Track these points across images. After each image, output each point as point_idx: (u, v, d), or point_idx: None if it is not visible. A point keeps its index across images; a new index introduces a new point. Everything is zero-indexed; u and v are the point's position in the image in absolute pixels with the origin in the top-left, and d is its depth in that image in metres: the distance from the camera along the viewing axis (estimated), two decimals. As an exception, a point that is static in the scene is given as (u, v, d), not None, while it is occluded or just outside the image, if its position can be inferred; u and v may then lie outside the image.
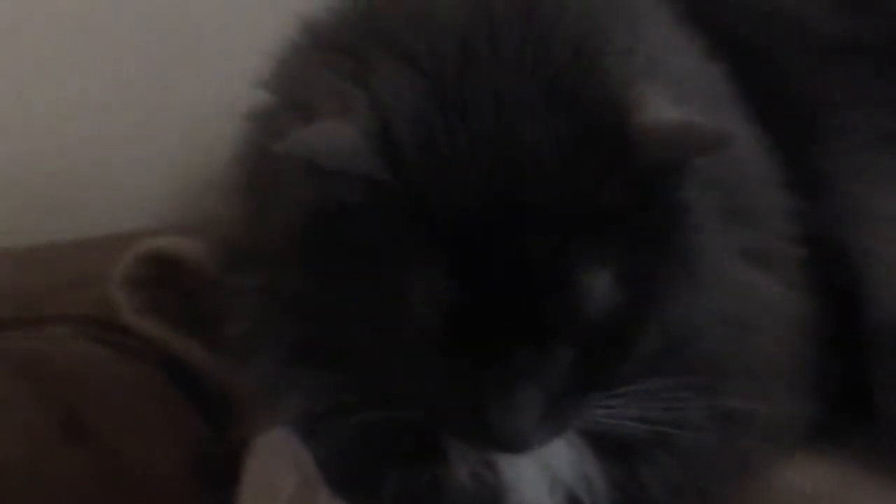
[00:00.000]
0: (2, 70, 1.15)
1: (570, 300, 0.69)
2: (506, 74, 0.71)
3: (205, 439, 0.84)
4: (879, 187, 0.88)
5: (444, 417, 0.73)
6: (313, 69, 0.76)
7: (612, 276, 0.70)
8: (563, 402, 0.71)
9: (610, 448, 0.77)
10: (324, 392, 0.76)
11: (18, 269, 1.06)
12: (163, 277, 0.92)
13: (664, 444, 0.77)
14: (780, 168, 0.83)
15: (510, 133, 0.69)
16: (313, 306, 0.74)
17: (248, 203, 0.80)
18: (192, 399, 0.87)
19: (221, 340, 0.82)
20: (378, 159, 0.68)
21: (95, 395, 0.84)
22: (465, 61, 0.71)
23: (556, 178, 0.68)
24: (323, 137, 0.69)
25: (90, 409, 0.84)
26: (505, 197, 0.68)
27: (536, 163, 0.68)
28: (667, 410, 0.74)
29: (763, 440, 0.82)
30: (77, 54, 1.18)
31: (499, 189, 0.68)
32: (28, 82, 1.17)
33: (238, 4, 1.24)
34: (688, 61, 0.79)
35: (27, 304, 0.99)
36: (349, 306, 0.72)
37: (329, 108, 0.71)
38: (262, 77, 0.82)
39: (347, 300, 0.72)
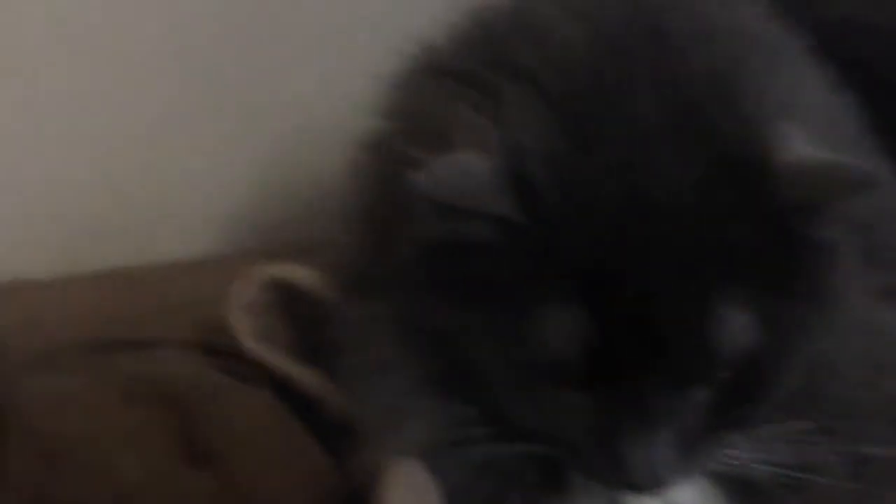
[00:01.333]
0: (79, 88, 1.13)
1: (708, 341, 0.67)
2: (638, 104, 0.69)
3: (326, 470, 0.83)
4: None
5: (575, 455, 0.72)
6: (440, 98, 0.74)
7: (750, 316, 0.68)
8: (698, 443, 0.70)
9: (737, 489, 0.76)
10: (450, 423, 0.75)
11: (120, 291, 1.06)
12: (281, 304, 0.92)
13: (793, 490, 0.75)
14: None
15: (644, 168, 0.68)
16: (441, 337, 0.72)
17: (371, 232, 0.78)
18: (310, 428, 0.86)
19: (339, 369, 0.81)
20: (511, 198, 0.67)
21: (215, 420, 0.84)
22: (595, 92, 0.70)
23: (693, 215, 0.67)
24: (457, 173, 0.67)
25: (211, 434, 0.84)
26: (640, 233, 0.67)
27: (672, 199, 0.67)
28: (799, 454, 0.72)
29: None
30: (157, 72, 1.16)
31: (634, 225, 0.67)
32: (105, 103, 1.15)
33: (332, 22, 1.23)
34: (823, 96, 0.78)
35: (132, 327, 0.99)
36: (479, 339, 0.71)
37: (461, 141, 0.70)
38: (377, 104, 0.81)
39: (478, 333, 0.71)
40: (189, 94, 1.18)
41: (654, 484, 0.70)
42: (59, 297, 1.06)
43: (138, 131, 1.16)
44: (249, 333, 0.90)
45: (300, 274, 0.92)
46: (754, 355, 0.69)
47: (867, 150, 0.80)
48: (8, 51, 1.09)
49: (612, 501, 0.76)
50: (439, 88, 0.75)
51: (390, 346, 0.76)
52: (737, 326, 0.68)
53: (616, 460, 0.69)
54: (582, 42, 0.72)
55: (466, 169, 0.67)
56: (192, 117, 1.19)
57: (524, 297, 0.68)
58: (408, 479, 0.75)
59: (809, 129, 0.71)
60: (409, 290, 0.73)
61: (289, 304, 0.92)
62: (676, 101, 0.69)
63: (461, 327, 0.71)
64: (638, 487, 0.70)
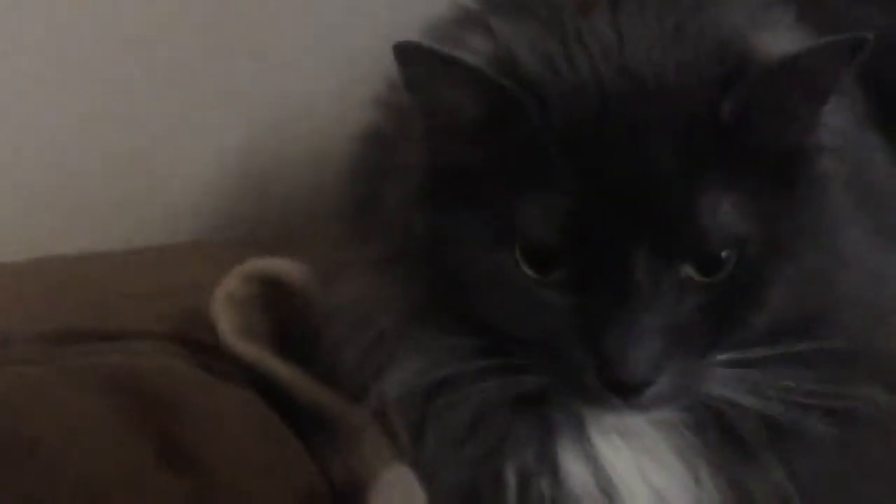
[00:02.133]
0: (45, 74, 1.11)
1: (693, 217, 0.68)
2: (626, 18, 0.72)
3: (310, 472, 0.79)
4: None
5: (563, 370, 0.71)
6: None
7: (740, 204, 0.69)
8: (688, 345, 0.69)
9: (718, 440, 0.75)
10: (444, 357, 0.75)
11: (88, 277, 1.01)
12: (263, 299, 0.88)
13: (775, 440, 0.74)
14: None
15: (632, 50, 0.70)
16: (430, 261, 0.74)
17: (359, 211, 0.81)
18: (293, 427, 0.82)
19: (321, 365, 0.81)
20: (499, 70, 0.69)
21: (193, 419, 0.80)
22: (583, 14, 0.73)
23: (678, 89, 0.68)
24: (452, 48, 0.71)
25: (188, 434, 0.79)
26: (628, 110, 0.68)
27: (656, 73, 0.69)
28: (787, 397, 0.72)
29: (893, 482, 0.78)
30: (135, 59, 1.15)
31: (621, 103, 0.68)
32: (75, 88, 1.13)
33: (313, 13, 1.22)
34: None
35: (100, 316, 0.94)
36: (468, 244, 0.72)
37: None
38: (371, 96, 0.84)
39: (466, 237, 0.72)
40: (167, 81, 1.16)
41: (638, 377, 0.68)
42: (17, 282, 1.01)
43: (114, 117, 1.15)
44: (230, 328, 0.86)
45: (284, 267, 0.88)
46: (743, 253, 0.70)
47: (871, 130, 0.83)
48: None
49: (601, 488, 0.75)
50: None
51: (378, 284, 0.77)
52: (725, 209, 0.69)
53: (600, 354, 0.68)
54: None
55: (460, 50, 0.71)
56: (169, 104, 1.17)
57: (510, 184, 0.70)
58: (396, 483, 0.73)
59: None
60: (395, 226, 0.76)
61: (271, 298, 0.89)
62: (663, 16, 0.72)
63: (450, 237, 0.73)
64: (623, 386, 0.69)
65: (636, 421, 0.75)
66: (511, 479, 0.75)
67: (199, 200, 1.21)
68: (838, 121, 0.75)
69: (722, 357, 0.71)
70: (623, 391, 0.69)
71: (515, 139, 0.69)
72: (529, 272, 0.70)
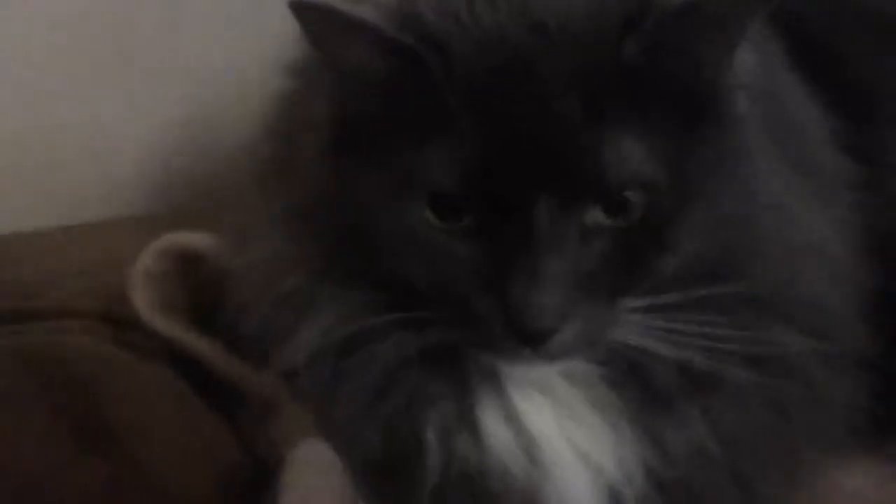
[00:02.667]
0: None
1: (592, 156, 0.67)
2: None
3: (231, 449, 0.78)
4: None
5: (470, 321, 0.70)
6: None
7: (642, 144, 0.68)
8: (596, 292, 0.69)
9: (634, 393, 0.74)
10: (353, 312, 0.74)
11: (9, 256, 1.00)
12: (181, 274, 0.87)
13: (693, 391, 0.74)
14: (838, 134, 0.81)
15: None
16: (338, 216, 0.73)
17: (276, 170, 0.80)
18: (215, 404, 0.81)
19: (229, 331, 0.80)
20: (402, 25, 0.69)
21: (113, 400, 0.78)
22: None
23: (580, 33, 0.68)
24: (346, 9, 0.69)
25: (107, 415, 0.78)
26: (527, 54, 0.68)
27: (558, 19, 0.68)
28: (703, 344, 0.71)
29: (814, 426, 0.78)
30: (65, 30, 1.13)
31: (521, 46, 0.68)
32: (12, 60, 1.12)
33: None
34: None
35: (23, 295, 0.93)
36: (374, 195, 0.71)
37: None
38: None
39: (373, 188, 0.71)
40: (104, 56, 1.15)
41: (543, 324, 0.68)
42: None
43: (50, 92, 1.13)
44: (148, 305, 0.85)
45: (199, 241, 0.87)
46: (650, 194, 0.69)
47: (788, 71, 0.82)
48: None
49: (526, 452, 0.75)
50: None
51: (287, 245, 0.77)
52: (629, 151, 0.68)
53: (505, 302, 0.68)
54: None
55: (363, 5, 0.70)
56: (95, 77, 1.16)
57: (414, 136, 0.69)
58: (309, 461, 0.73)
59: None
60: (306, 178, 0.75)
61: (189, 273, 0.87)
62: None
63: (357, 190, 0.72)
64: (529, 334, 0.68)
65: (552, 375, 0.75)
66: (431, 438, 0.75)
67: (137, 174, 1.19)
68: (753, 61, 0.73)
69: (633, 304, 0.70)
70: (529, 339, 0.68)
71: (419, 92, 0.68)
72: (435, 222, 0.70)
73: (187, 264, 0.87)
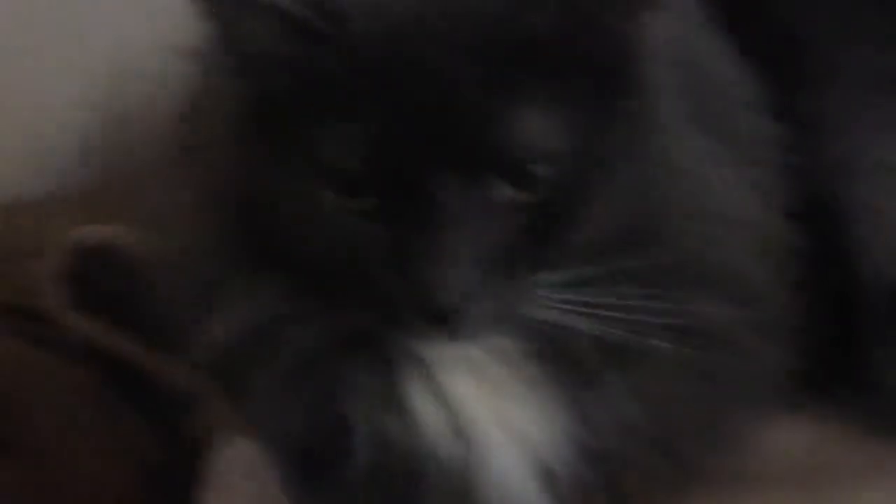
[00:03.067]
0: None
1: (493, 130, 0.65)
2: None
3: (152, 446, 0.76)
4: (875, 133, 0.83)
5: (378, 299, 0.68)
6: None
7: (547, 116, 0.66)
8: (505, 268, 0.67)
9: (555, 365, 0.73)
10: (267, 300, 0.72)
11: None
12: (98, 268, 0.84)
13: (616, 362, 0.72)
14: (768, 101, 0.80)
15: None
16: (247, 201, 0.71)
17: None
18: (135, 402, 0.80)
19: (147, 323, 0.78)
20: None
21: (20, 401, 0.77)
22: None
23: (482, 4, 0.66)
24: None
25: (14, 417, 0.76)
26: (427, 27, 0.66)
27: None
28: (622, 309, 0.69)
29: (740, 392, 0.77)
30: None
31: (420, 19, 0.66)
32: None
33: None
34: None
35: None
36: (279, 183, 0.69)
37: None
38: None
39: (277, 175, 0.69)
40: (8, 28, 1.11)
41: (450, 303, 0.65)
42: None
43: None
44: (63, 302, 0.83)
45: (111, 234, 0.85)
46: (558, 168, 0.67)
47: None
48: None
49: (457, 433, 0.74)
50: None
51: (200, 234, 0.75)
52: (532, 123, 0.66)
53: (410, 282, 0.66)
54: None
55: None
56: (8, 52, 1.12)
57: (314, 115, 0.67)
58: (233, 459, 0.71)
59: None
60: (214, 163, 0.73)
61: (102, 266, 0.84)
62: None
63: (263, 173, 0.70)
64: (436, 314, 0.66)
65: (477, 353, 0.73)
66: (358, 421, 0.73)
67: (49, 151, 1.15)
68: (669, 28, 0.71)
69: (546, 279, 0.69)
70: (435, 318, 0.66)
71: (319, 68, 0.66)
72: (339, 201, 0.68)
73: (99, 258, 0.85)
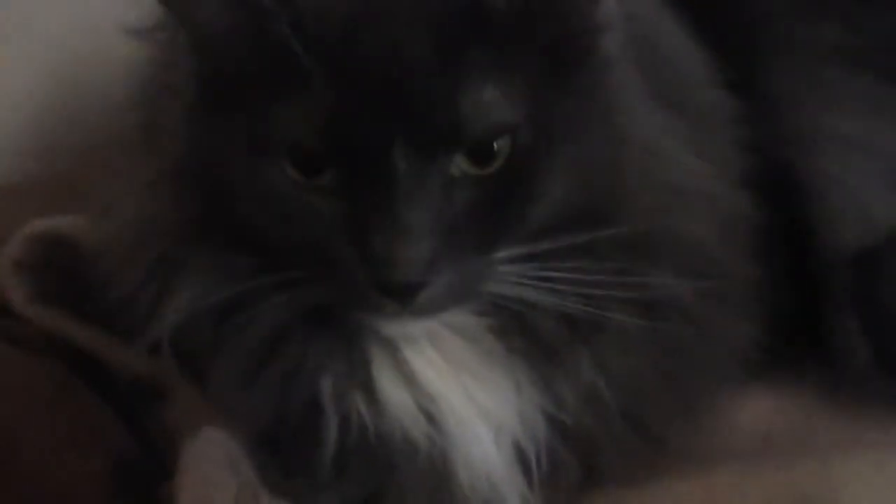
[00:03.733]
0: None
1: (449, 103, 0.65)
2: None
3: (121, 437, 0.75)
4: (832, 105, 0.84)
5: (336, 274, 0.68)
6: None
7: (504, 89, 0.66)
8: (465, 243, 0.67)
9: (521, 343, 0.73)
10: (226, 277, 0.71)
11: None
12: (54, 258, 0.83)
13: (580, 337, 0.72)
14: (721, 71, 0.80)
15: None
16: (201, 176, 0.71)
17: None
18: (101, 393, 0.78)
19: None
20: None
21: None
22: None
23: None
24: None
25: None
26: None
27: None
28: (583, 284, 0.69)
29: (706, 365, 0.77)
30: None
31: None
32: None
33: None
34: None
35: None
36: (235, 158, 0.69)
37: None
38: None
39: (233, 150, 0.69)
40: None
41: (409, 278, 0.65)
42: None
43: None
44: (22, 294, 0.82)
45: (68, 224, 0.84)
46: (515, 141, 0.67)
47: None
48: None
49: (429, 418, 0.73)
50: None
51: (152, 210, 0.74)
52: (489, 97, 0.66)
53: (368, 257, 0.66)
54: None
55: None
56: None
57: (268, 91, 0.67)
58: (207, 450, 0.70)
59: None
60: (169, 143, 0.72)
61: (61, 256, 0.83)
62: None
63: (218, 148, 0.70)
64: (395, 288, 0.66)
65: (441, 329, 0.73)
66: (326, 401, 0.72)
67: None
68: (625, 3, 0.71)
69: (505, 253, 0.68)
70: (394, 293, 0.66)
71: (269, 45, 0.66)
72: (296, 177, 0.67)
73: (59, 249, 0.84)
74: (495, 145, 0.67)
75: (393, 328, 0.72)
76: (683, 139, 0.75)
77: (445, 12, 0.65)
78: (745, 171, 0.79)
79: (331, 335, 0.73)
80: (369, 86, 0.65)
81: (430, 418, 0.73)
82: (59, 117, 1.15)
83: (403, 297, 0.66)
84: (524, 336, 0.73)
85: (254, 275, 0.71)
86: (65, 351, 0.80)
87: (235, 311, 0.72)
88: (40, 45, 1.13)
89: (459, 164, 0.67)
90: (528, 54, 0.67)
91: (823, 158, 0.83)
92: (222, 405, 0.74)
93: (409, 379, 0.73)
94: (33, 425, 0.74)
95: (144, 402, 0.77)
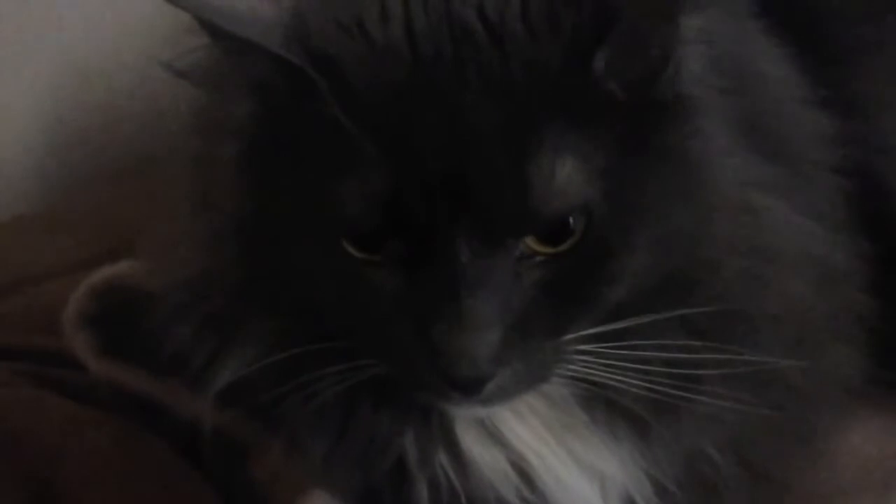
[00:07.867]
0: None
1: (519, 182, 0.60)
2: None
3: (210, 499, 0.72)
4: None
5: (397, 361, 0.64)
6: None
7: (579, 164, 0.61)
8: (534, 328, 0.62)
9: (600, 412, 0.69)
10: (276, 343, 0.68)
11: None
12: (120, 310, 0.80)
13: (665, 408, 0.67)
14: (814, 89, 0.74)
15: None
16: (258, 238, 0.67)
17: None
18: (180, 449, 0.76)
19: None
20: (286, 40, 0.61)
21: (70, 461, 0.73)
22: None
23: (506, 44, 0.60)
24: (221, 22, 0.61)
25: (65, 480, 0.72)
26: (442, 67, 0.60)
27: (481, 25, 0.61)
28: (670, 363, 0.65)
29: (810, 402, 0.73)
30: None
31: (435, 58, 0.60)
32: None
33: None
34: None
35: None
36: (291, 225, 0.65)
37: None
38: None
39: (289, 217, 0.64)
40: None
41: (474, 373, 0.61)
42: None
43: None
44: (90, 349, 0.79)
45: (130, 272, 0.81)
46: (591, 218, 0.62)
47: (754, 28, 0.75)
48: None
49: (527, 482, 0.70)
50: None
51: (210, 265, 0.70)
52: (564, 173, 0.60)
53: (431, 346, 0.61)
54: None
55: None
56: None
57: (325, 162, 0.62)
58: None
59: None
60: (222, 200, 0.68)
61: (124, 309, 0.80)
62: None
63: (274, 212, 0.65)
64: (460, 384, 0.62)
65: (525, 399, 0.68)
66: (412, 465, 0.69)
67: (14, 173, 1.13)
68: (713, 31, 0.65)
69: (578, 334, 0.64)
70: (460, 388, 0.62)
71: (320, 114, 0.61)
72: (355, 253, 0.63)
73: (120, 299, 0.81)
74: (571, 221, 0.62)
75: (461, 413, 0.68)
76: (782, 189, 0.70)
77: (523, 82, 0.60)
78: (849, 209, 0.74)
79: (405, 395, 0.68)
80: (429, 163, 0.60)
81: (524, 477, 0.70)
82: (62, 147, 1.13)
83: (468, 391, 0.62)
84: (609, 410, 0.69)
85: (311, 340, 0.67)
86: (133, 404, 0.77)
87: (294, 372, 0.67)
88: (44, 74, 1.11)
89: (528, 246, 0.62)
90: (607, 122, 0.61)
91: None
92: (314, 473, 0.71)
93: (495, 437, 0.70)
94: (115, 495, 0.72)
95: (230, 459, 0.74)
